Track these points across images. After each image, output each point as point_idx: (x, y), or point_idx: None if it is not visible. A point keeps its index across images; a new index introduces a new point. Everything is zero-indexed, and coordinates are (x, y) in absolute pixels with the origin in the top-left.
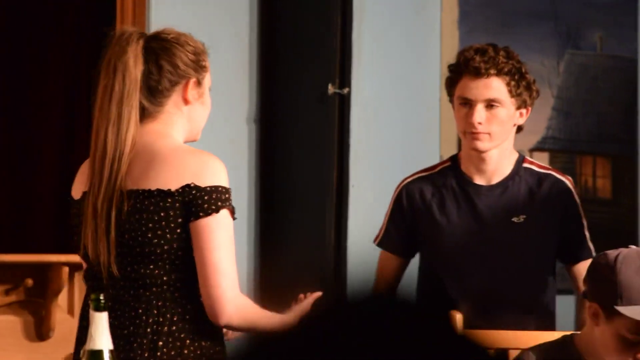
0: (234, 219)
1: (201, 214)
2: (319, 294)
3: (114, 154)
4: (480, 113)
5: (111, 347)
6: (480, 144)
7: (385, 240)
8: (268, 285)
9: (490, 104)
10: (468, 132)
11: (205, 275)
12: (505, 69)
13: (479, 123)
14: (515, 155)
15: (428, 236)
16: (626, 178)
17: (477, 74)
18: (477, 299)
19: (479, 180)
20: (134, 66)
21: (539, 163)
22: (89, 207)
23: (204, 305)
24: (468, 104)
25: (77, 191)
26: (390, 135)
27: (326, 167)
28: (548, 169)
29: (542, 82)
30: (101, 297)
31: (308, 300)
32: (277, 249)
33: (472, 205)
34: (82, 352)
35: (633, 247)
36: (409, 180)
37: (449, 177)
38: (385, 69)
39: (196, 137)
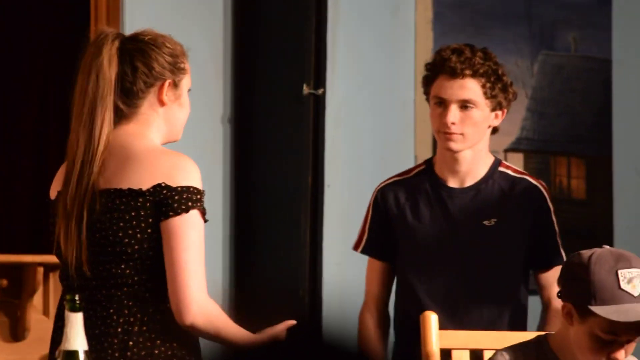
0: (205, 220)
1: (171, 213)
2: (292, 322)
3: (86, 154)
4: (454, 113)
5: (86, 347)
6: (454, 144)
7: (368, 246)
8: (243, 285)
9: (464, 105)
10: (442, 132)
11: (172, 275)
12: (481, 70)
13: (453, 123)
14: (491, 159)
15: (402, 240)
16: (600, 179)
17: (453, 74)
18: (449, 301)
19: (452, 183)
20: (108, 67)
21: (515, 168)
22: (62, 206)
23: (170, 304)
24: (443, 103)
25: (53, 192)
26: (365, 135)
27: (301, 167)
28: (523, 173)
29: (516, 82)
30: (77, 298)
31: (281, 327)
32: (252, 249)
33: (445, 207)
34: (57, 352)
35: (607, 247)
36: (384, 184)
37: (424, 180)
38: (360, 69)
39: (176, 138)
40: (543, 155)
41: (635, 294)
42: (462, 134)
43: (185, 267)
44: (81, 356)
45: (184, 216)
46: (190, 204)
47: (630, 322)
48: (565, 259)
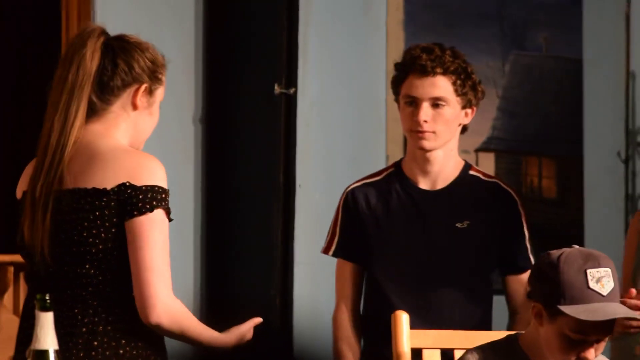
0: (170, 220)
1: (135, 212)
2: (258, 320)
3: (58, 142)
4: (426, 111)
5: (57, 347)
6: (426, 143)
7: (339, 248)
8: (214, 286)
9: (435, 103)
10: (414, 131)
11: (137, 274)
12: (452, 68)
13: (425, 121)
14: (462, 163)
15: (373, 241)
16: (571, 178)
17: (424, 72)
18: (420, 302)
19: (423, 185)
20: (90, 60)
21: (485, 172)
22: (29, 195)
23: (135, 304)
24: (414, 102)
25: (19, 191)
26: (336, 135)
27: (273, 166)
28: (494, 177)
29: (487, 82)
30: (47, 297)
31: (247, 325)
32: (224, 249)
33: (417, 209)
34: (27, 352)
35: (576, 246)
36: (354, 186)
37: (394, 182)
38: (332, 69)
39: (139, 147)
40: (514, 155)
41: (604, 294)
42: (434, 132)
43: (150, 266)
44: (51, 356)
45: (149, 215)
46: (155, 203)
47: (599, 322)
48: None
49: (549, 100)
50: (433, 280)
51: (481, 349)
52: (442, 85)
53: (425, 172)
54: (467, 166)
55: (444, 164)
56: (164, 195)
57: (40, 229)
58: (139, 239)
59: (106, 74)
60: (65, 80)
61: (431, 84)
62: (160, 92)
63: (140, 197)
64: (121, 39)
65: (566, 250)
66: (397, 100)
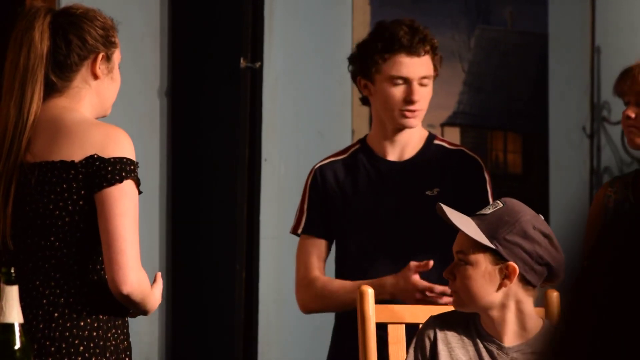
0: (139, 192)
1: (104, 184)
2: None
3: (15, 128)
4: (419, 91)
5: (22, 320)
6: (414, 122)
7: (308, 226)
8: (179, 259)
9: (421, 82)
10: (404, 110)
11: (109, 243)
12: (434, 47)
13: (417, 101)
14: (426, 133)
15: (345, 217)
16: (536, 153)
17: (414, 52)
18: (395, 272)
19: (391, 157)
20: (40, 41)
21: (450, 141)
22: None
23: (106, 275)
24: (405, 82)
25: None
26: (302, 109)
27: (238, 140)
28: (458, 146)
29: (453, 57)
30: (12, 271)
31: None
32: (189, 222)
33: (386, 181)
34: None
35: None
36: (321, 164)
37: (361, 158)
38: (297, 43)
39: (106, 112)
40: (480, 129)
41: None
42: (421, 110)
43: (121, 234)
44: (16, 329)
45: (118, 186)
46: (123, 174)
47: None
48: None
49: (515, 75)
50: (407, 250)
51: (439, 315)
52: (428, 64)
53: (394, 144)
54: (431, 136)
55: (411, 136)
56: (132, 167)
57: (2, 217)
58: (110, 209)
59: (61, 52)
60: (17, 65)
61: (421, 63)
62: (117, 55)
63: (109, 169)
64: (67, 14)
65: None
66: (367, 76)
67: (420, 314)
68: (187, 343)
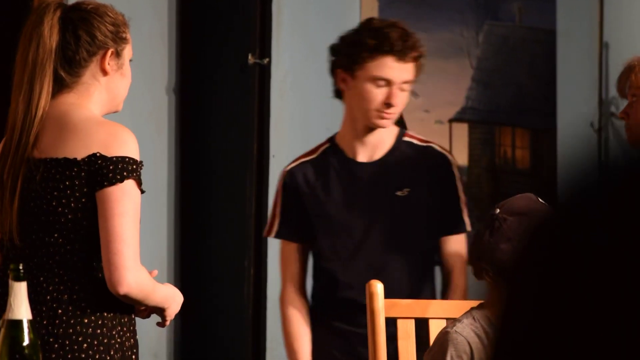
0: (142, 191)
1: (106, 183)
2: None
3: (24, 123)
4: (399, 95)
5: (30, 317)
6: (388, 123)
7: (283, 229)
8: (188, 255)
9: (401, 86)
10: (380, 111)
11: (107, 243)
12: (421, 55)
13: (397, 105)
14: (396, 129)
15: (316, 219)
16: (545, 149)
17: (401, 57)
18: (369, 275)
19: (361, 158)
20: (49, 36)
21: (420, 137)
22: None
23: (104, 273)
24: (387, 84)
25: None
26: (310, 105)
27: (246, 137)
28: (428, 142)
29: (461, 53)
30: (20, 267)
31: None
32: (197, 219)
33: (356, 182)
34: (1, 321)
35: None
36: (291, 166)
37: (332, 158)
38: (306, 39)
39: (117, 108)
40: (488, 125)
41: None
42: (397, 113)
43: (120, 235)
44: (25, 325)
45: (119, 186)
46: (125, 173)
47: None
48: (468, 227)
49: (523, 71)
50: (379, 252)
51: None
52: (411, 70)
53: (364, 144)
54: (401, 132)
55: (381, 135)
56: (135, 166)
57: (9, 211)
58: (109, 208)
59: (70, 48)
60: (26, 60)
61: (406, 69)
62: (127, 51)
63: (111, 167)
64: (78, 9)
65: None
66: (349, 69)
67: (428, 308)
68: (195, 339)
